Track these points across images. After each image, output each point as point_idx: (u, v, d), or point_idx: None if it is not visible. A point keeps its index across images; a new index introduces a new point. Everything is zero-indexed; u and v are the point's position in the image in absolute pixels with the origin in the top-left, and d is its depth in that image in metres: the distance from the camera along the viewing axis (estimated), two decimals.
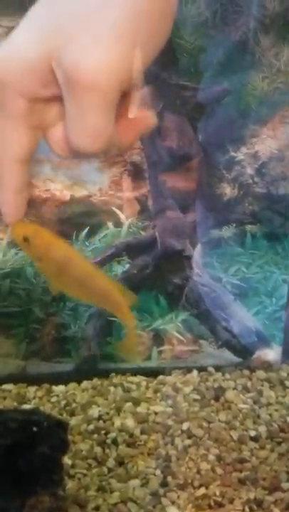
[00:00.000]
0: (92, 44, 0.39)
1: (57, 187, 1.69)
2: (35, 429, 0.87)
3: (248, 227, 1.75)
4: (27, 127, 0.43)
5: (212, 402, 1.29)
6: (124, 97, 0.43)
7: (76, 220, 1.69)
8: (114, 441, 1.16)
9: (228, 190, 1.74)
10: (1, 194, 0.46)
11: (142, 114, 0.46)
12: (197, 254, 1.46)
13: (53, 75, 0.41)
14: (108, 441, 1.16)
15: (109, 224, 1.73)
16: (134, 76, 0.41)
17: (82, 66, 0.39)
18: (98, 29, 0.40)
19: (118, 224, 1.73)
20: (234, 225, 1.73)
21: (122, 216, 1.74)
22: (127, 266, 1.53)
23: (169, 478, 1.07)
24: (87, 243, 1.69)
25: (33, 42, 0.41)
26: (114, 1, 0.40)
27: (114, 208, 1.72)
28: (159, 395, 1.31)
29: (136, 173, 1.70)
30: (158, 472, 1.09)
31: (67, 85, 0.40)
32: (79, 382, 1.36)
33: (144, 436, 1.18)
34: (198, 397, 1.30)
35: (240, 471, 1.09)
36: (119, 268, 1.60)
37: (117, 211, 1.73)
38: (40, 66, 0.41)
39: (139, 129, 0.47)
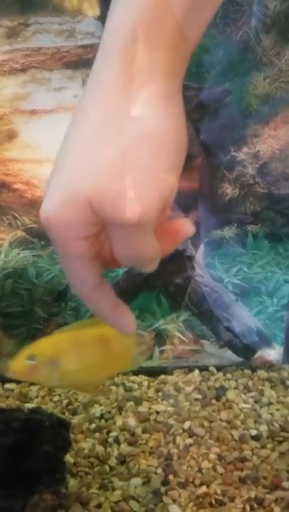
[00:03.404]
0: (127, 188, 0.42)
1: None
2: (37, 428, 0.88)
3: (250, 228, 1.76)
4: (91, 259, 0.46)
5: (213, 401, 1.29)
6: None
7: None
8: (116, 440, 1.16)
9: (229, 190, 1.75)
10: (106, 320, 0.49)
11: (178, 224, 0.50)
12: (199, 254, 1.46)
13: (96, 213, 0.43)
14: (110, 440, 1.17)
15: None
16: (170, 200, 0.45)
17: (120, 211, 0.42)
18: (130, 173, 0.42)
19: None
20: (235, 225, 1.74)
21: None
22: None
23: (171, 477, 1.07)
24: None
25: (74, 185, 0.43)
26: (138, 145, 0.42)
27: None
28: (160, 394, 1.31)
29: None
30: (159, 471, 1.09)
31: (108, 226, 0.44)
32: None
33: (146, 435, 1.18)
34: (199, 396, 1.30)
35: (241, 470, 1.10)
36: (120, 268, 1.61)
37: None
38: (84, 209, 0.43)
39: (178, 239, 0.50)
